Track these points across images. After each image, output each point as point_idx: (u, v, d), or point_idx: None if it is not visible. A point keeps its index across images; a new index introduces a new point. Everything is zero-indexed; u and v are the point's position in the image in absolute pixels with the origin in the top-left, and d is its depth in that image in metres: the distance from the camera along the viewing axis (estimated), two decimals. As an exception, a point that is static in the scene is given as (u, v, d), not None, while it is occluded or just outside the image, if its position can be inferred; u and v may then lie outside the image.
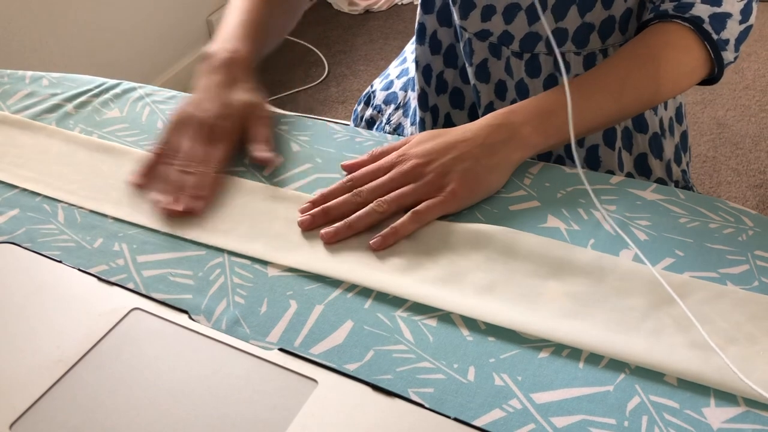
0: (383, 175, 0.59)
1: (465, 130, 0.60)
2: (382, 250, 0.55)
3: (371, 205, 0.57)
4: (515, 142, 0.59)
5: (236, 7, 0.73)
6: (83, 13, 1.75)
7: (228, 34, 0.70)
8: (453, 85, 0.83)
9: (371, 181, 0.59)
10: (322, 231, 0.56)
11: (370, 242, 0.55)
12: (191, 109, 0.65)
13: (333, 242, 0.56)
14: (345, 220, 0.56)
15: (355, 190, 0.58)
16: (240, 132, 0.65)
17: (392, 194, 0.57)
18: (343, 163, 0.63)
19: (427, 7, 0.80)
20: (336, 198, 0.59)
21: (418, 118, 0.87)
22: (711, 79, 0.68)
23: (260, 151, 0.63)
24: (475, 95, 0.79)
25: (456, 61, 0.81)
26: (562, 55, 0.73)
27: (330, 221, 0.57)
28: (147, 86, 0.78)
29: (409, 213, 0.56)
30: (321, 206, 0.58)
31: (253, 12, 0.72)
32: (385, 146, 0.63)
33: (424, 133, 0.62)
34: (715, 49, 0.64)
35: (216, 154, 0.63)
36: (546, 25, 0.66)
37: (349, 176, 0.60)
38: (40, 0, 1.63)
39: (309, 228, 0.57)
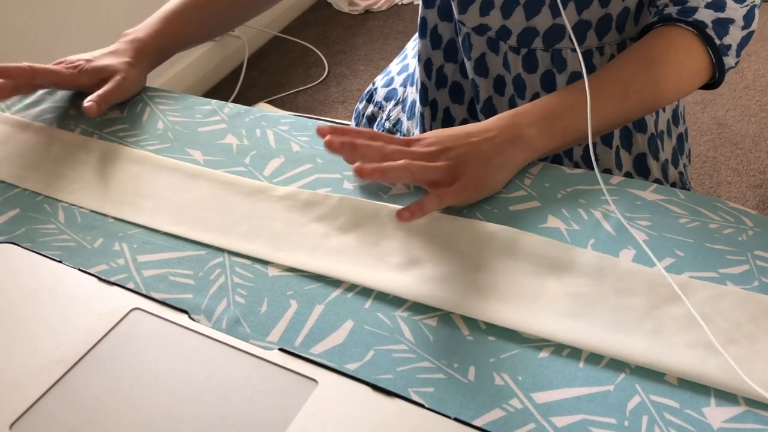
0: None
1: (474, 127, 0.61)
2: (408, 221, 0.54)
3: (403, 161, 0.55)
4: (521, 144, 0.59)
5: None
6: (83, 13, 1.76)
7: (147, 20, 0.80)
8: (452, 79, 0.83)
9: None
10: (357, 164, 0.54)
11: (399, 212, 0.54)
12: (79, 55, 0.77)
13: (366, 178, 0.54)
14: (379, 164, 0.54)
15: (381, 141, 0.58)
16: (88, 79, 0.74)
17: (421, 162, 0.57)
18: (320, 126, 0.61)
19: (428, 1, 0.80)
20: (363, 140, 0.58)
21: (417, 113, 0.87)
22: (711, 83, 0.68)
23: (86, 101, 0.70)
24: (474, 90, 0.80)
25: (456, 56, 0.82)
26: (559, 51, 0.73)
27: (355, 158, 0.57)
28: (147, 86, 0.78)
29: (433, 193, 0.56)
30: (350, 139, 0.57)
31: (183, 4, 0.80)
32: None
33: (435, 130, 0.62)
34: (717, 54, 0.64)
35: (48, 65, 0.73)
36: (566, 20, 0.66)
37: (376, 133, 0.59)
38: (40, 0, 1.63)
39: (333, 149, 0.56)
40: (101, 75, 0.73)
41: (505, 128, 0.60)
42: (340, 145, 0.56)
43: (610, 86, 0.63)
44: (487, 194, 0.59)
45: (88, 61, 0.74)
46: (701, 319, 0.48)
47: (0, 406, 0.43)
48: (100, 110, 0.70)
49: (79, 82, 0.73)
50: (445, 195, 0.56)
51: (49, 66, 0.73)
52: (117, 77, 0.73)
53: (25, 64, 0.71)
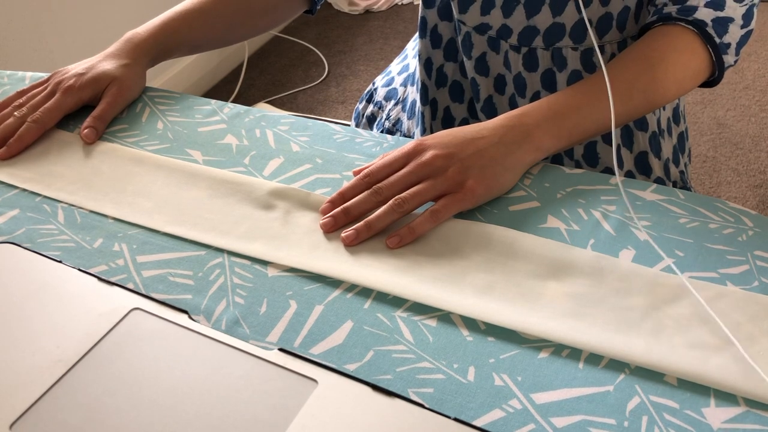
0: (400, 167, 0.59)
1: (480, 128, 0.60)
2: (397, 247, 0.55)
3: (390, 203, 0.56)
4: (528, 145, 0.59)
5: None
6: (83, 13, 1.76)
7: (154, 19, 0.79)
8: (453, 78, 0.83)
9: (389, 175, 0.58)
10: (342, 234, 0.56)
11: (387, 241, 0.55)
12: (71, 66, 0.75)
13: (354, 245, 0.55)
14: (365, 220, 0.56)
15: (374, 187, 0.58)
16: (89, 93, 0.73)
17: (412, 191, 0.57)
18: (354, 170, 0.63)
19: (428, 1, 0.81)
20: (355, 195, 0.58)
21: (418, 112, 0.87)
22: (711, 81, 0.68)
23: (83, 127, 0.70)
24: (474, 89, 0.80)
25: (456, 55, 0.82)
26: (559, 50, 0.73)
27: (351, 221, 0.57)
28: (147, 86, 0.78)
29: (426, 212, 0.56)
30: (341, 206, 0.57)
31: (188, 6, 0.80)
32: (395, 150, 0.62)
33: (439, 132, 0.62)
34: (717, 52, 0.64)
35: (50, 104, 0.71)
36: (585, 16, 0.66)
37: (367, 171, 0.59)
38: (40, 0, 1.63)
39: (332, 230, 0.57)
40: (99, 85, 0.73)
41: (512, 129, 0.60)
42: (333, 223, 0.57)
43: (614, 85, 0.63)
44: (497, 195, 0.59)
45: (81, 74, 0.73)
46: (701, 319, 0.48)
47: (0, 406, 0.43)
48: (99, 134, 0.70)
49: (82, 101, 0.72)
50: (450, 205, 0.56)
51: (52, 105, 0.70)
52: (112, 89, 0.72)
53: (32, 123, 0.69)
